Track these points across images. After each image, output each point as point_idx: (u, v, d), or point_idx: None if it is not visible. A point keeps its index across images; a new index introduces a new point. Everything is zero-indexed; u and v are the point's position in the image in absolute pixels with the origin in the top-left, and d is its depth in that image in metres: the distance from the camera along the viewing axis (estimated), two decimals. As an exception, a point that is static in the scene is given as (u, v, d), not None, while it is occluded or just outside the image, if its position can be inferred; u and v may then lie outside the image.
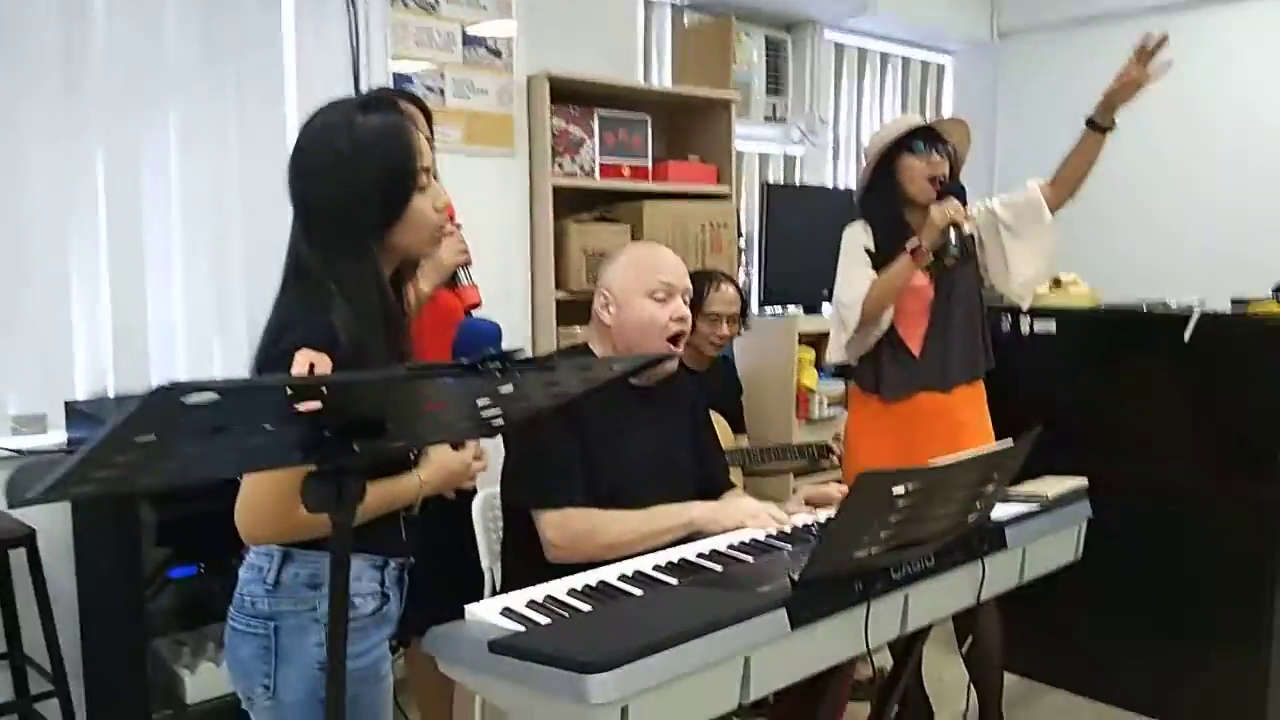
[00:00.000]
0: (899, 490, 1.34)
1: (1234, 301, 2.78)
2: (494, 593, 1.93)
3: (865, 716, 2.45)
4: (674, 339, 1.88)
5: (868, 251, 2.47)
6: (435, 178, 1.41)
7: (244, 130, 2.71)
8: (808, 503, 1.87)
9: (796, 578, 1.35)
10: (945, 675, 2.88)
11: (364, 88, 2.78)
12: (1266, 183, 3.98)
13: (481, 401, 0.99)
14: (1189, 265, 3.80)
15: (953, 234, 2.27)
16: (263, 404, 0.85)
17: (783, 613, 1.30)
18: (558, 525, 1.75)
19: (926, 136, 2.37)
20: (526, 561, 1.75)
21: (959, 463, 1.47)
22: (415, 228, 1.36)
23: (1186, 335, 2.59)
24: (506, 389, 0.96)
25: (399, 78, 2.82)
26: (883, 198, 2.45)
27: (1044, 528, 1.79)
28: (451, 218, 2.02)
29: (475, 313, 2.10)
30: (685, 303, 1.91)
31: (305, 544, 1.29)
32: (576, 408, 1.78)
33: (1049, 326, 2.95)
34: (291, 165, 1.34)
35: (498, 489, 1.95)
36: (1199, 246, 4.04)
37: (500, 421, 1.07)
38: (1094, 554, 1.90)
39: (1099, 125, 2.28)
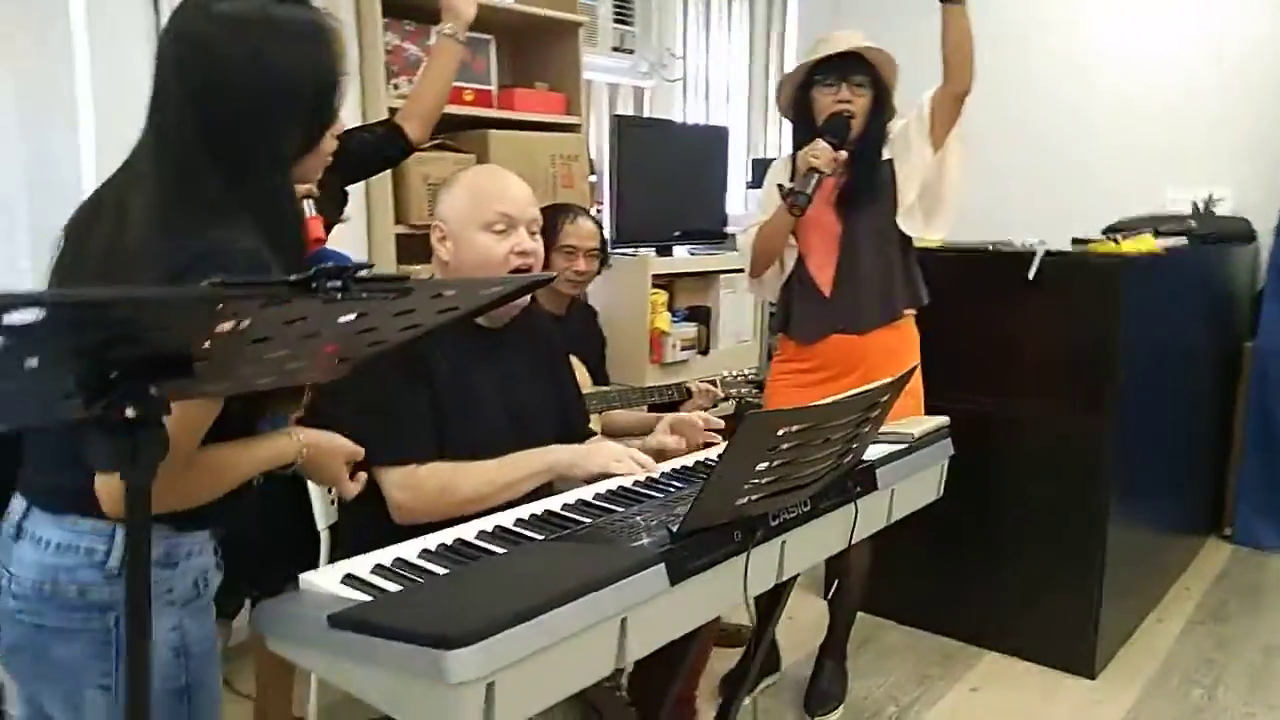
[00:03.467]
0: (784, 432, 1.25)
1: (1074, 241, 2.88)
2: (331, 559, 1.73)
3: (722, 663, 2.43)
4: (517, 274, 1.71)
5: (780, 188, 2.36)
6: None
7: (18, 62, 2.29)
8: (672, 430, 1.77)
9: (675, 529, 1.24)
10: (796, 615, 2.90)
11: (163, 9, 2.42)
12: (1101, 133, 4.16)
13: (319, 335, 0.81)
14: (1027, 209, 3.92)
15: (813, 179, 2.18)
16: (15, 336, 0.64)
17: (662, 568, 1.19)
18: (405, 484, 1.58)
19: (835, 67, 2.25)
20: (370, 522, 1.57)
21: (839, 402, 1.39)
22: (321, 155, 1.17)
23: (1031, 273, 2.64)
24: (348, 319, 0.78)
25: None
26: (800, 130, 2.35)
27: (910, 467, 1.76)
28: None
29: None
30: (533, 235, 1.74)
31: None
32: (420, 354, 1.61)
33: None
34: (190, 63, 1.06)
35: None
36: (1037, 192, 4.19)
37: (342, 360, 0.89)
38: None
39: None
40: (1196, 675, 2.77)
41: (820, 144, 2.20)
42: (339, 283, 0.63)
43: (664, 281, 3.44)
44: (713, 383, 2.73)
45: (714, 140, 3.86)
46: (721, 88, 4.47)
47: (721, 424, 1.83)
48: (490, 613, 1.01)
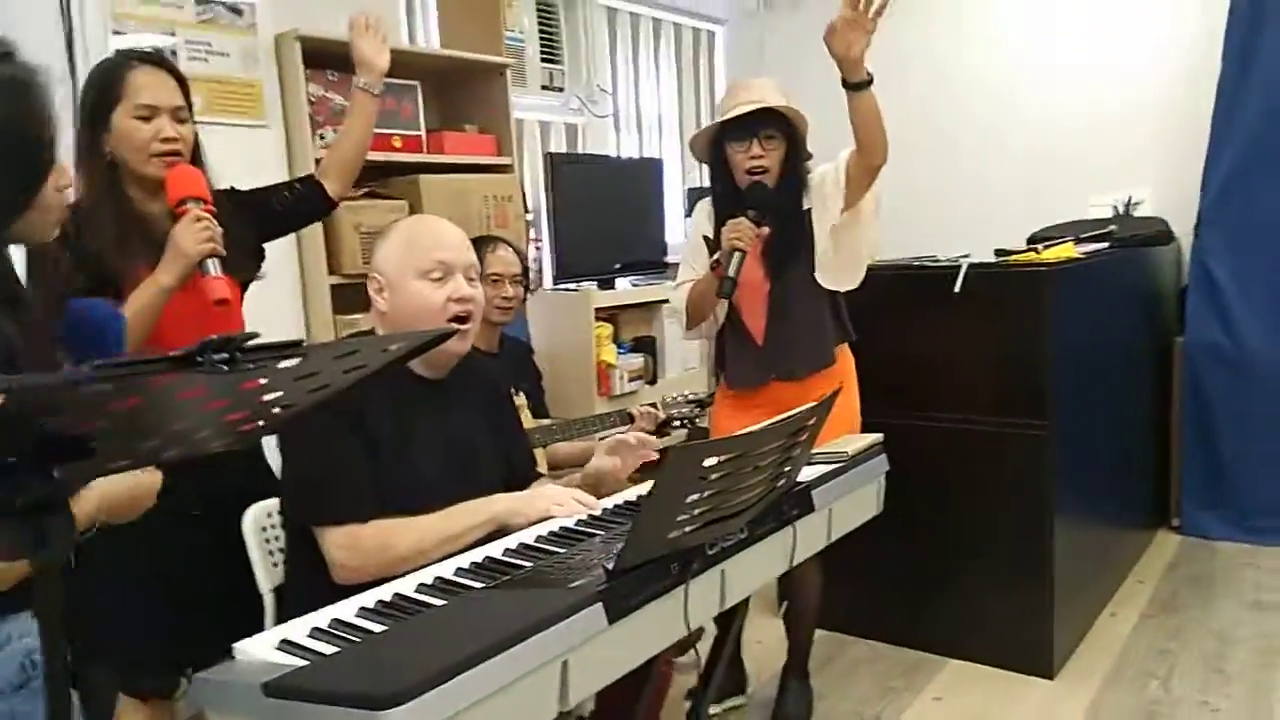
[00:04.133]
0: (710, 462, 1.26)
1: (997, 252, 2.95)
2: (276, 622, 1.70)
3: (686, 686, 2.43)
4: (457, 321, 1.72)
5: (706, 240, 2.38)
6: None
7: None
8: (610, 453, 1.78)
9: (610, 567, 1.25)
10: (764, 638, 2.90)
11: (79, 53, 2.40)
12: (1022, 147, 4.28)
13: (222, 404, 0.81)
14: (955, 226, 4.00)
15: (736, 259, 2.17)
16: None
17: (599, 608, 1.19)
18: (344, 544, 1.56)
19: (745, 122, 2.22)
20: (315, 581, 1.55)
21: (766, 429, 1.42)
22: (45, 210, 1.14)
23: (957, 286, 2.70)
24: (252, 386, 0.78)
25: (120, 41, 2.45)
26: (718, 182, 2.36)
27: (846, 486, 1.79)
28: (204, 200, 1.77)
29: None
30: (471, 281, 1.74)
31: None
32: (357, 407, 1.60)
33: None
34: None
35: (274, 501, 1.74)
36: (963, 208, 4.29)
37: (251, 427, 0.89)
38: (885, 505, 1.93)
39: (850, 84, 2.10)
40: (1152, 667, 2.82)
41: (743, 223, 2.19)
42: (225, 355, 0.63)
43: (608, 314, 3.46)
44: (654, 405, 2.75)
45: (649, 172, 3.91)
46: (653, 120, 4.52)
47: (660, 443, 1.84)
48: (424, 668, 1.01)
